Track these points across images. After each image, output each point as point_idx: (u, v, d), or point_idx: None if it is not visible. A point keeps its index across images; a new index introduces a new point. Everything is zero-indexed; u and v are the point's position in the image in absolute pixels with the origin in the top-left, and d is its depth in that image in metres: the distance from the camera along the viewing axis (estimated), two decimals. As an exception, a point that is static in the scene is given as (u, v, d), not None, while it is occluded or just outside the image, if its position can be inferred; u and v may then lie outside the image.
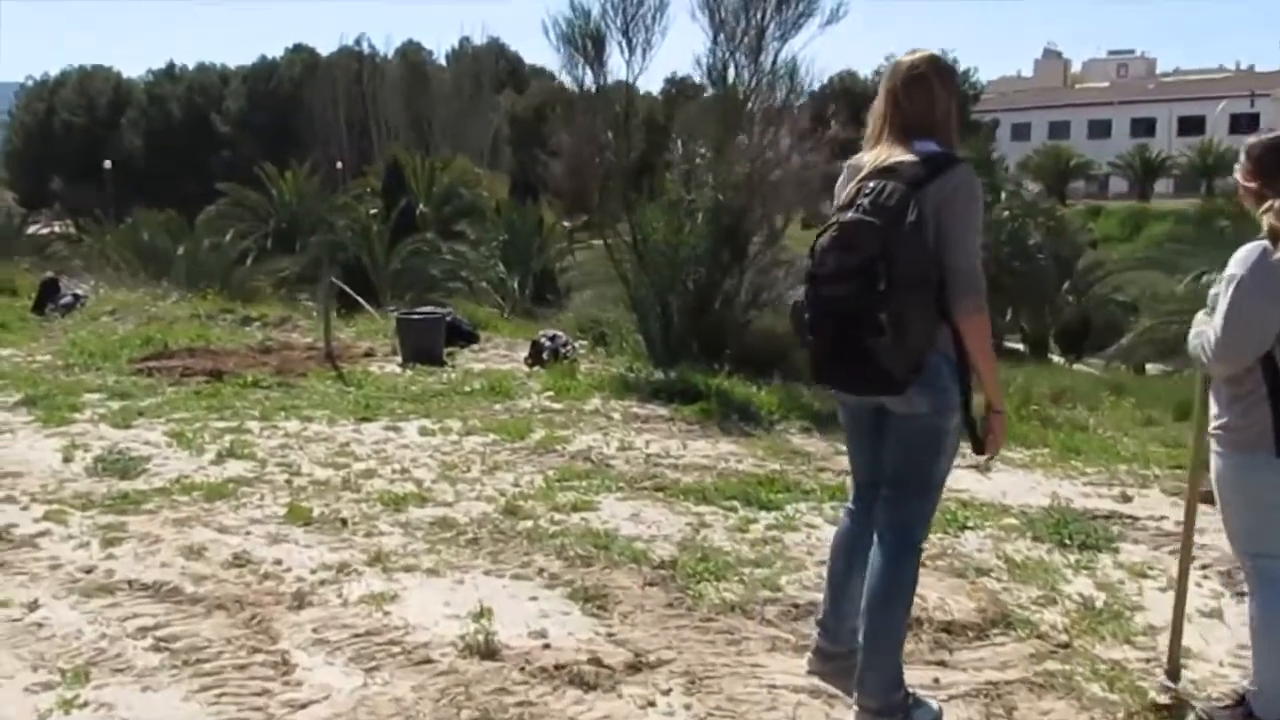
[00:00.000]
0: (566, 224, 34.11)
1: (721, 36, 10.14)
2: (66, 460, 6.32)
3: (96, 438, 6.87)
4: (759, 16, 10.16)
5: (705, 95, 11.59)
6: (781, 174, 10.41)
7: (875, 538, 3.39)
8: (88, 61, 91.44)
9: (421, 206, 38.76)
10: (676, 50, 11.21)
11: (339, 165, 56.98)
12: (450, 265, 32.10)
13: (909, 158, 3.22)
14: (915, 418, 3.26)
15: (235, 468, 6.24)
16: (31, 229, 62.90)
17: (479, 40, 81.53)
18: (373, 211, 38.40)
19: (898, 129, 3.32)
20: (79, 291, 13.55)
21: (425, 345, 9.92)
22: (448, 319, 10.48)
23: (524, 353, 10.34)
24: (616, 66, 10.39)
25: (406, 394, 8.48)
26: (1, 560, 4.71)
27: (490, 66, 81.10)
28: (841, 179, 3.46)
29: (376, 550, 4.85)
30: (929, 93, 3.31)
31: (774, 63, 10.24)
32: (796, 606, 4.29)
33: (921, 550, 3.43)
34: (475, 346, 10.73)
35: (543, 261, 32.09)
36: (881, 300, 3.08)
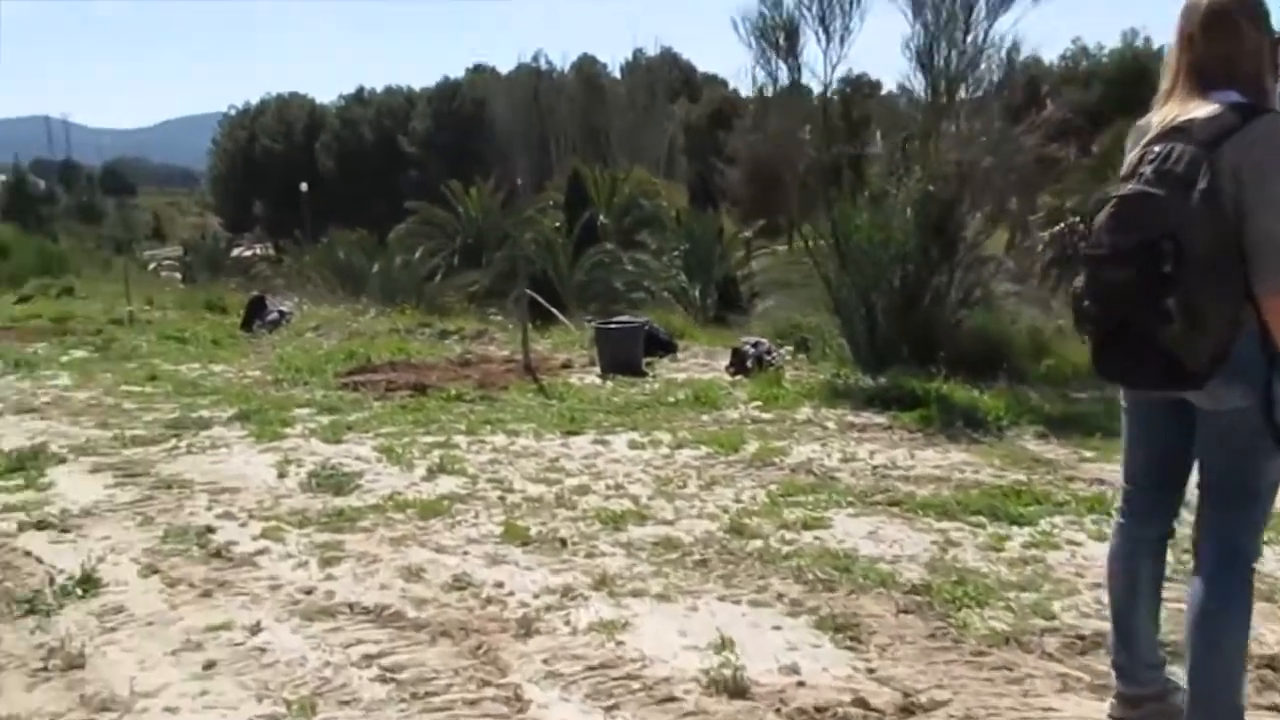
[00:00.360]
0: (747, 232, 33.84)
1: (928, 15, 9.57)
2: (281, 476, 6.28)
3: (309, 453, 6.84)
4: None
5: (902, 82, 10.97)
6: (993, 161, 9.77)
7: (1179, 558, 2.88)
8: (285, 90, 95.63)
9: (602, 218, 39.05)
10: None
11: (519, 181, 58.02)
12: (633, 275, 32.08)
13: (1204, 113, 2.71)
14: (1226, 414, 2.75)
15: (447, 484, 6.07)
16: (235, 251, 66.50)
17: (652, 51, 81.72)
18: (555, 224, 38.92)
19: (1193, 80, 2.80)
20: (284, 309, 13.89)
21: (624, 355, 9.68)
22: (645, 328, 10.21)
23: (724, 361, 9.99)
24: (812, 57, 9.96)
25: (610, 406, 8.22)
26: (223, 579, 4.61)
27: (664, 77, 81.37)
28: (1128, 143, 2.97)
29: (600, 573, 4.56)
30: (1234, 34, 2.78)
31: (983, 42, 9.64)
32: (1081, 638, 3.77)
33: (1253, 570, 2.89)
34: (673, 356, 10.44)
35: (724, 269, 31.79)
36: (1169, 284, 2.59)
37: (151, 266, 44.17)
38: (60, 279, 19.73)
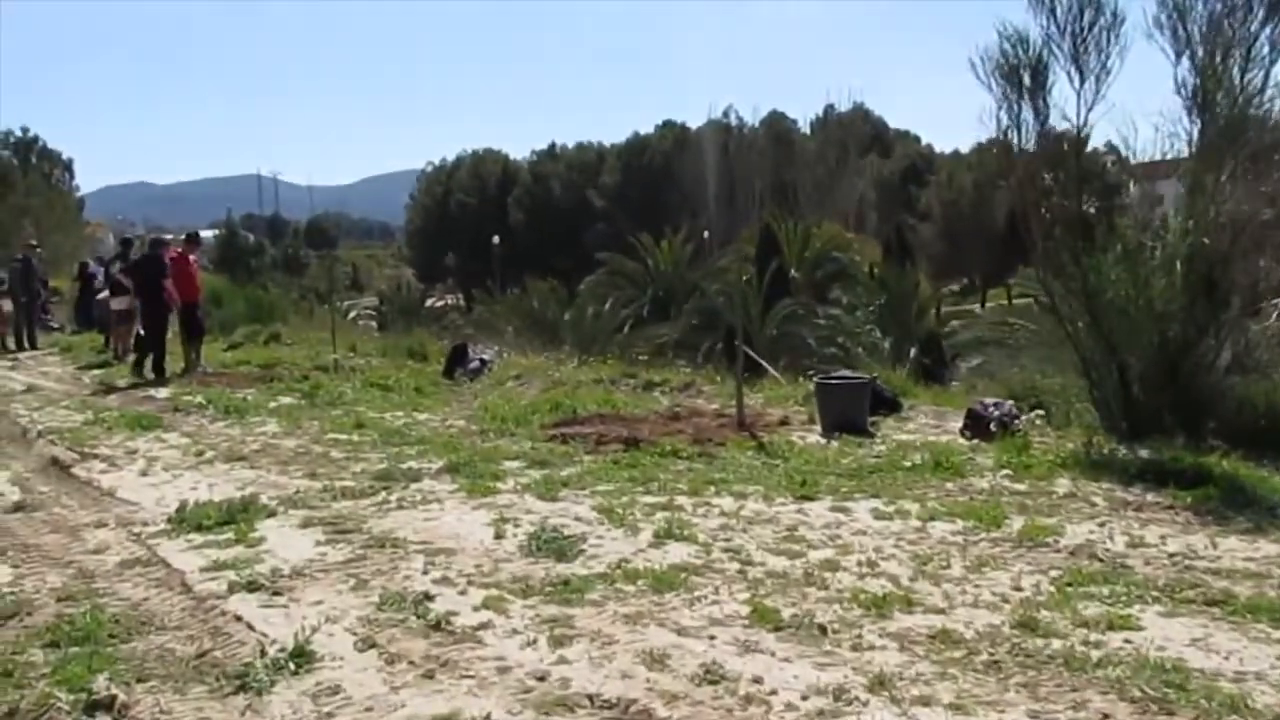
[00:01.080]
0: (953, 287, 32.61)
1: (1198, 53, 8.63)
2: (498, 537, 5.81)
3: (524, 511, 6.37)
4: (1244, 26, 8.59)
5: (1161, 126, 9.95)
6: (1274, 214, 8.71)
7: None
8: (480, 146, 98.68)
9: (794, 271, 38.37)
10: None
11: (706, 234, 58.00)
12: (825, 330, 31.29)
13: None
14: None
15: (677, 552, 5.49)
16: (429, 301, 68.36)
17: (843, 106, 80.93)
18: (744, 277, 38.46)
19: None
20: (485, 357, 13.69)
21: (849, 413, 8.95)
22: (871, 385, 9.46)
23: (955, 422, 9.15)
24: (1062, 98, 9.10)
25: (840, 468, 7.51)
26: (445, 657, 4.12)
27: (855, 131, 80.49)
28: None
29: (875, 671, 3.87)
30: None
31: (1265, 82, 8.61)
32: None
33: None
34: (897, 414, 9.65)
35: (925, 325, 30.63)
36: None
37: (351, 315, 45.59)
38: (268, 326, 20.19)
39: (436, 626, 4.46)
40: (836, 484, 6.97)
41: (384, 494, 6.91)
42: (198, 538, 5.96)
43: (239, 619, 4.64)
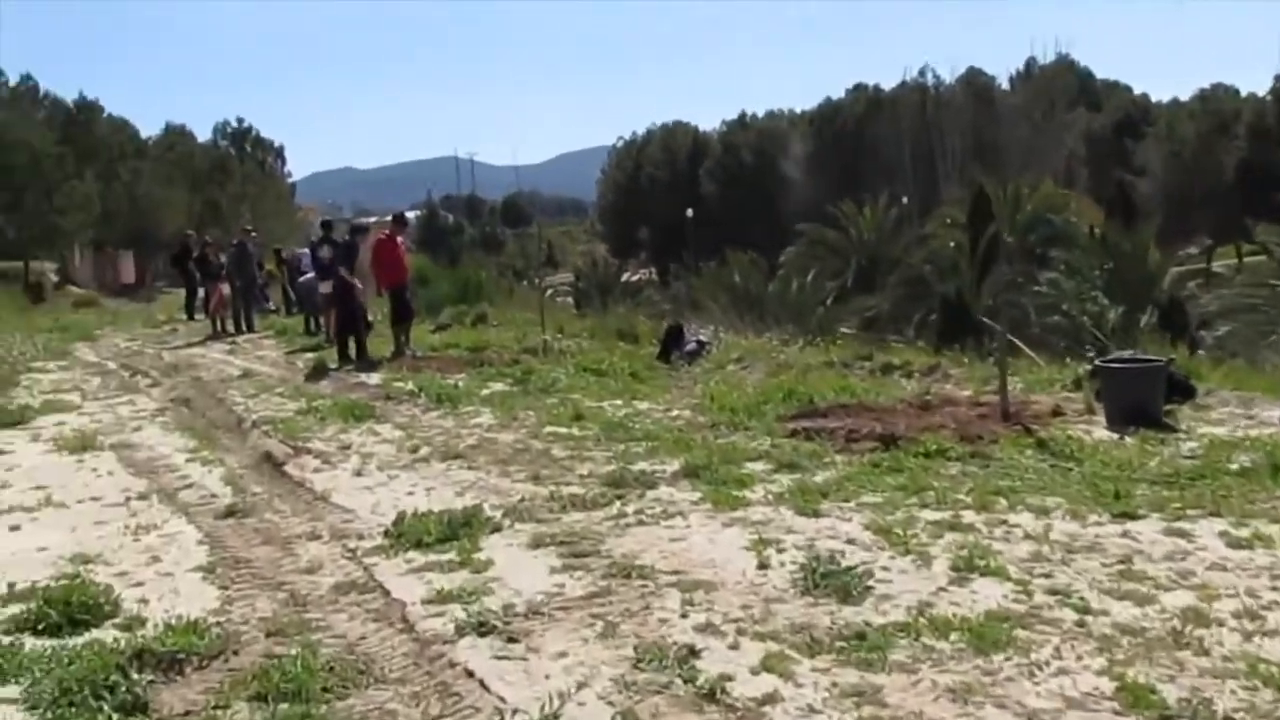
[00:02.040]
0: (1193, 249, 30.01)
1: None
2: (762, 566, 4.90)
3: (784, 529, 5.44)
4: None
5: None
6: None
7: None
8: (670, 119, 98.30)
9: (1006, 235, 36.23)
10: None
11: (904, 200, 55.82)
12: (1048, 299, 29.30)
13: None
14: None
15: (988, 591, 4.46)
16: (623, 276, 68.33)
17: (1046, 58, 76.93)
18: (951, 244, 36.52)
19: None
20: (702, 338, 12.83)
21: (1141, 403, 7.66)
22: (1167, 369, 8.14)
23: (1270, 410, 7.76)
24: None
25: (1152, 474, 6.30)
26: (729, 745, 3.23)
27: (1060, 84, 76.57)
28: None
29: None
30: None
31: None
32: None
33: None
34: (1193, 403, 8.29)
35: (1160, 291, 28.28)
36: None
37: (548, 292, 45.62)
38: (474, 307, 19.88)
39: (711, 696, 3.58)
40: (1157, 496, 5.77)
41: (618, 504, 6.11)
42: (418, 557, 5.28)
43: (470, 674, 3.88)
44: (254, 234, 22.14)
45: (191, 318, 23.41)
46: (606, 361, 12.33)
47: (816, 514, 5.69)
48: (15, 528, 6.19)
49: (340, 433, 9.09)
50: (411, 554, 5.32)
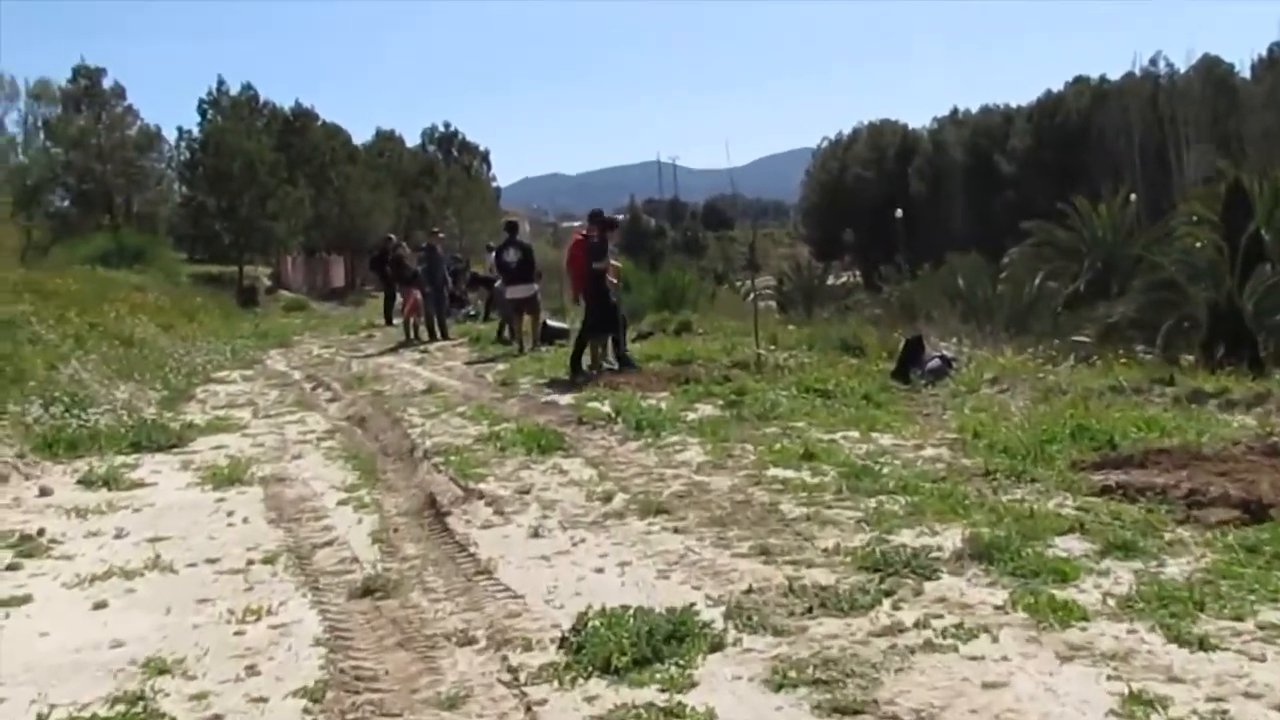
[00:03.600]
0: None
1: None
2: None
3: (1161, 673, 3.51)
4: None
5: None
6: None
7: None
8: (877, 117, 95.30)
9: (1264, 233, 32.39)
10: None
11: (1132, 197, 51.55)
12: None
13: None
14: None
15: None
16: (828, 280, 65.97)
17: (1293, 40, 70.57)
18: (1198, 244, 32.90)
19: None
20: (946, 353, 10.83)
21: None
22: None
23: None
24: None
25: None
26: None
27: (1310, 70, 70.21)
28: None
29: None
30: None
31: None
32: None
33: None
34: None
35: None
36: None
37: (750, 296, 43.82)
38: (678, 314, 18.30)
39: None
40: None
41: (886, 603, 4.32)
42: (604, 692, 3.63)
43: None
44: (441, 236, 21.17)
45: (389, 323, 22.73)
46: (833, 380, 10.51)
47: (1203, 645, 3.74)
48: (100, 605, 4.86)
49: (522, 469, 7.60)
50: (594, 685, 3.68)
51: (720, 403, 9.97)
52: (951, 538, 5.13)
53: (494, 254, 17.63)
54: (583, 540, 5.55)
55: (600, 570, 5.00)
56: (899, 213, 65.61)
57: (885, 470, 6.79)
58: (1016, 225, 54.45)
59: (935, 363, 10.50)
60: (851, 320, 22.51)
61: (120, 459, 8.44)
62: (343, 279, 49.63)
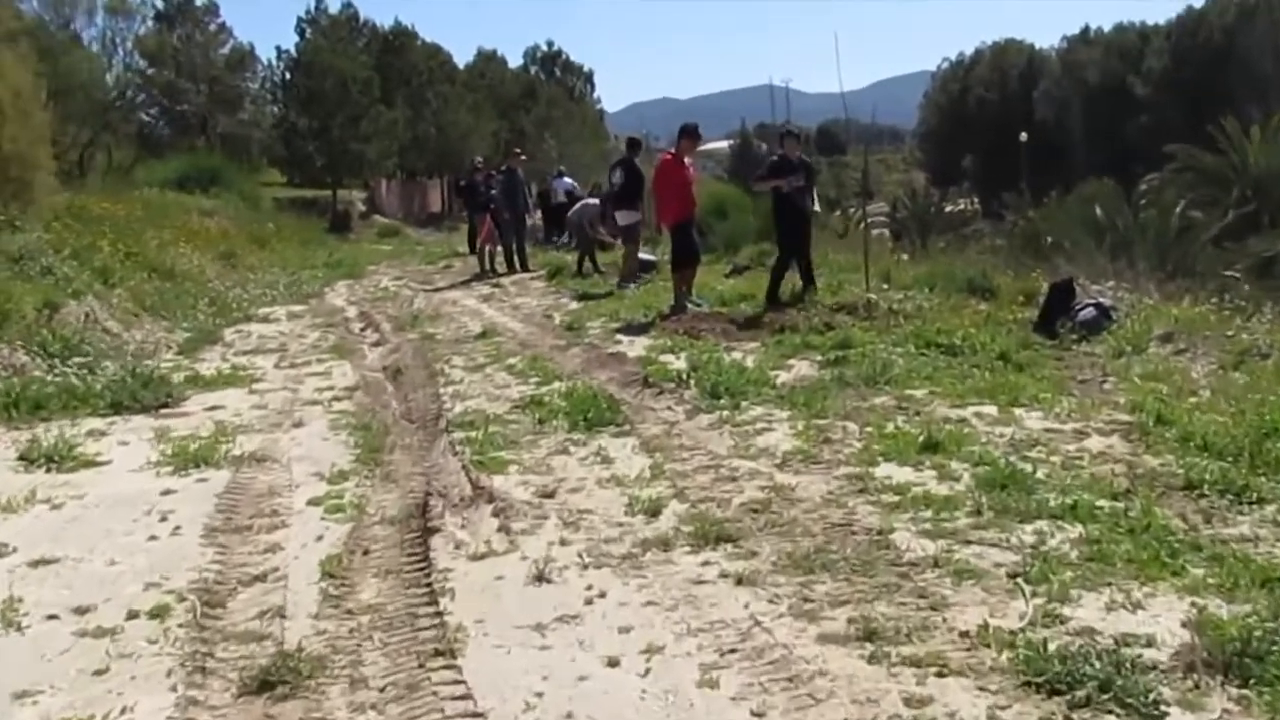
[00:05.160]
0: None
1: None
2: None
3: None
4: None
5: None
6: None
7: None
8: (1002, 36, 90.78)
9: None
10: None
11: (1275, 120, 47.47)
12: None
13: None
14: None
15: None
16: (946, 207, 62.81)
17: None
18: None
19: None
20: (1104, 300, 8.76)
21: None
22: None
23: None
24: None
25: None
26: None
27: None
28: None
29: None
30: None
31: None
32: None
33: None
34: None
35: None
36: None
37: (861, 225, 41.23)
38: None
39: None
40: None
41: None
42: None
43: None
44: (523, 157, 19.39)
45: (473, 251, 21.17)
46: (959, 332, 8.57)
47: None
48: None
49: (558, 452, 5.91)
50: None
51: (820, 359, 8.14)
52: (1165, 617, 3.29)
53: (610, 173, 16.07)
54: (602, 595, 3.81)
55: (615, 663, 3.26)
56: (1023, 136, 61.95)
57: (1040, 474, 4.92)
58: (1150, 152, 50.62)
59: (1089, 312, 8.47)
60: (974, 253, 20.19)
61: (89, 425, 6.97)
62: (440, 204, 48.31)
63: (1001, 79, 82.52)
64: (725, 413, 6.57)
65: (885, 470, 5.17)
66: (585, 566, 4.10)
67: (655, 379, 7.67)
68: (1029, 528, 4.21)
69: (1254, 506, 4.34)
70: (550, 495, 5.09)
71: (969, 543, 4.09)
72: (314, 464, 6.01)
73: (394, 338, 11.00)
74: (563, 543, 4.40)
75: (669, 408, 6.88)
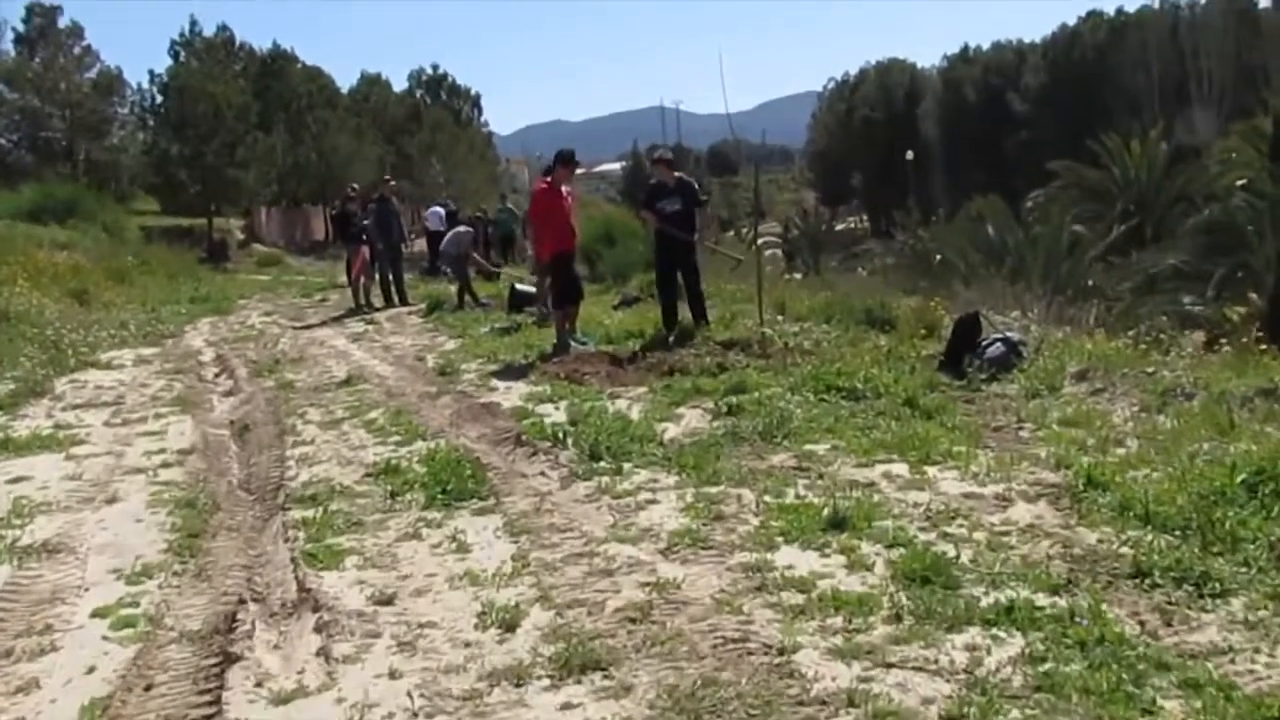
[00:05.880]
0: None
1: None
2: None
3: None
4: None
5: None
6: None
7: None
8: (885, 57, 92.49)
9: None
10: None
11: (1150, 134, 48.83)
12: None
13: None
14: None
15: None
16: (837, 226, 63.12)
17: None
18: (1239, 183, 30.00)
19: None
20: (1011, 335, 8.17)
21: None
22: None
23: None
24: None
25: None
26: None
27: (1343, -5, 67.60)
28: None
29: None
30: None
31: None
32: None
33: None
34: None
35: None
36: None
37: (753, 246, 40.92)
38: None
39: None
40: None
41: None
42: None
43: None
44: (394, 185, 18.41)
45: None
46: (862, 373, 7.90)
47: None
48: None
49: (409, 536, 5.07)
50: None
51: (711, 408, 7.39)
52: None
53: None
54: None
55: None
56: (909, 155, 62.67)
57: (964, 557, 4.23)
58: (1030, 167, 51.47)
59: (998, 348, 7.87)
60: (865, 273, 19.78)
61: None
62: (323, 231, 46.78)
63: (886, 98, 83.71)
64: (605, 479, 5.78)
65: (786, 556, 4.42)
66: (414, 715, 3.25)
67: (529, 437, 6.84)
68: (959, 639, 3.50)
69: (1218, 601, 3.68)
70: (388, 601, 4.23)
71: (889, 665, 3.35)
72: (116, 555, 5.07)
73: (249, 386, 10.01)
74: (392, 675, 3.55)
75: (542, 473, 6.06)
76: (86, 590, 4.62)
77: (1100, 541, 4.36)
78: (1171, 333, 9.77)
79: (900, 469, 5.64)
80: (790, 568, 4.27)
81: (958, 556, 4.24)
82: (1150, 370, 7.16)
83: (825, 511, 4.86)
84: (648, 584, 4.20)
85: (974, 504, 4.97)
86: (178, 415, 8.62)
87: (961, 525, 4.67)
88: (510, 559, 4.62)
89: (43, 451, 7.36)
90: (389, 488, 5.89)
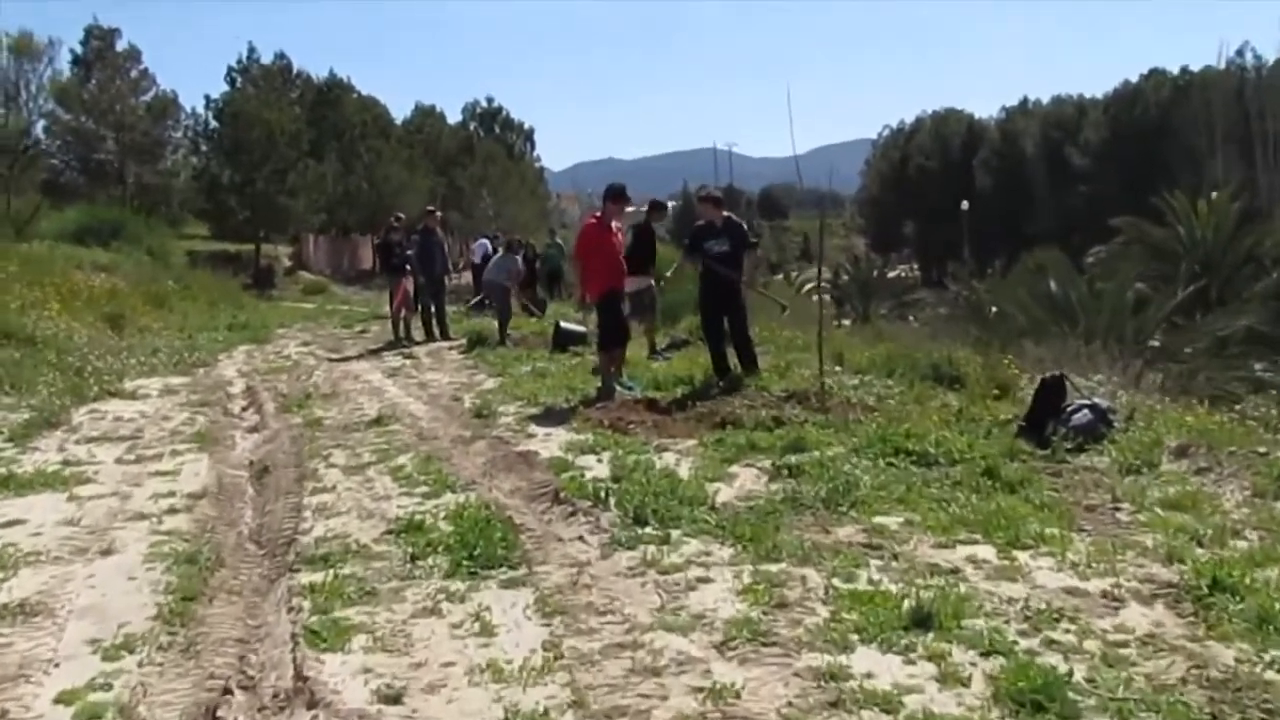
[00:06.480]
0: None
1: None
2: None
3: None
4: None
5: None
6: None
7: None
8: (942, 106, 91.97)
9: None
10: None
11: (1213, 194, 47.65)
12: None
13: None
14: None
15: None
16: (890, 274, 62.28)
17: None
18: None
19: None
20: (1100, 402, 7.43)
21: None
22: None
23: None
24: None
25: None
26: None
27: None
28: None
29: None
30: None
31: None
32: None
33: None
34: None
35: None
36: None
37: (807, 288, 40.27)
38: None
39: None
40: None
41: None
42: None
43: None
44: (438, 215, 17.92)
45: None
46: (932, 435, 7.21)
47: None
48: None
49: (425, 612, 4.45)
50: None
51: (769, 466, 6.74)
52: None
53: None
54: None
55: None
56: (965, 205, 61.79)
57: (1078, 676, 3.54)
58: (1089, 222, 50.48)
59: (1084, 415, 7.14)
60: (918, 323, 19.02)
61: None
62: (371, 261, 46.68)
63: (942, 147, 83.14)
64: (651, 549, 5.14)
65: (864, 660, 3.76)
66: None
67: (568, 494, 6.21)
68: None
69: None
70: (396, 699, 3.60)
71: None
72: (99, 621, 4.50)
73: (275, 422, 9.48)
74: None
75: (581, 538, 5.43)
76: (56, 666, 4.04)
77: (1240, 661, 3.66)
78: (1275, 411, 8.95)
79: (986, 552, 4.95)
80: (870, 676, 3.61)
81: (1070, 674, 3.55)
82: (1262, 451, 6.40)
83: (906, 604, 4.19)
84: (701, 689, 3.55)
85: (1079, 602, 4.28)
86: (195, 453, 8.09)
87: (1068, 630, 3.98)
88: (541, 648, 3.99)
89: (45, 490, 6.84)
90: (410, 549, 5.28)
